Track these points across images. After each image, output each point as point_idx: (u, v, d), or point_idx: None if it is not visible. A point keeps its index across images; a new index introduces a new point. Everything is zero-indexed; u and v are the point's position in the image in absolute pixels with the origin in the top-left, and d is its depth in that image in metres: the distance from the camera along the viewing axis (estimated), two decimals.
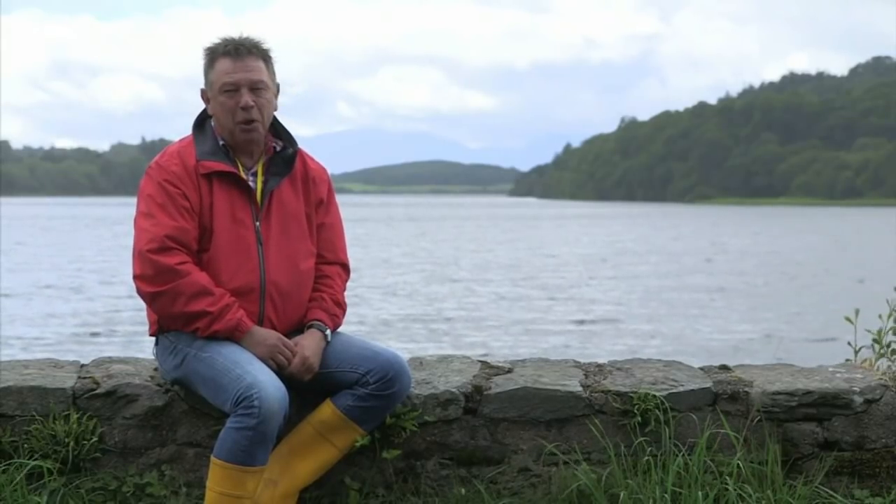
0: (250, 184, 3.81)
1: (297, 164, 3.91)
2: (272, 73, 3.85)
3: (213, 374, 3.61)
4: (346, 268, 4.03)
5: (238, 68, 3.76)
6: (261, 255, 3.78)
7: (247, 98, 3.75)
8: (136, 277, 3.70)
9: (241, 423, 3.50)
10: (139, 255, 3.68)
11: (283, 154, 3.89)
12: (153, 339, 3.87)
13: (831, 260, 39.22)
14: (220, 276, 3.71)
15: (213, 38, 3.83)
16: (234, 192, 3.78)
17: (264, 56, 3.83)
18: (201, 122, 3.89)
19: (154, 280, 3.65)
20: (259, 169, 3.85)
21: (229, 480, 3.53)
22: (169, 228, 3.67)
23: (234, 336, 3.68)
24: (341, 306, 3.93)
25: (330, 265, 3.96)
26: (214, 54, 3.80)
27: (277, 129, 3.91)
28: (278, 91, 3.88)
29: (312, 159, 4.01)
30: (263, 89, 3.79)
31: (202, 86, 3.86)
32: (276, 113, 3.88)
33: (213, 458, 3.57)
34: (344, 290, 3.98)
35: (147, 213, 3.71)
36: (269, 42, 3.84)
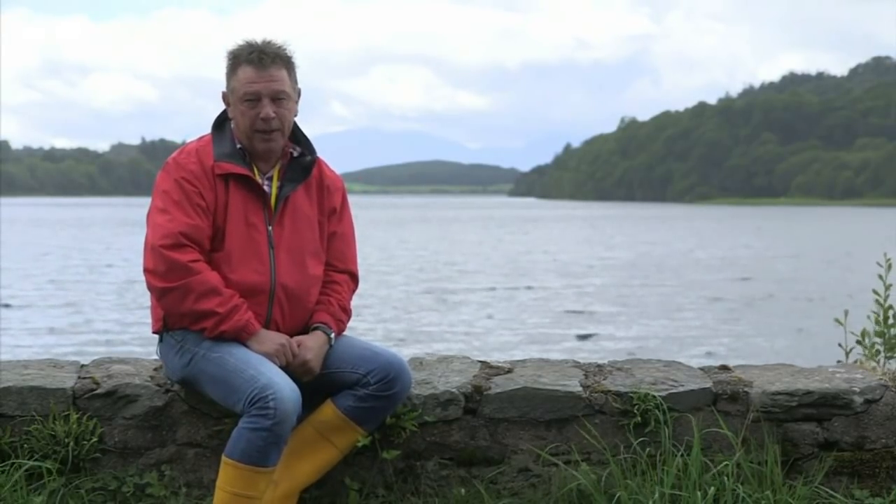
0: (265, 188, 3.81)
1: (314, 172, 3.91)
2: (294, 80, 3.83)
3: (225, 374, 3.61)
4: (354, 277, 4.02)
5: (260, 78, 3.73)
6: (272, 259, 3.78)
7: (268, 109, 3.73)
8: (147, 271, 3.69)
9: (255, 424, 3.49)
10: (152, 250, 3.67)
11: (301, 160, 3.88)
12: (156, 337, 3.87)
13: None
14: (229, 277, 3.71)
15: (236, 41, 3.78)
16: (249, 196, 3.78)
17: (287, 64, 3.80)
18: (220, 122, 3.88)
19: (165, 276, 3.64)
20: (275, 174, 3.85)
21: (242, 480, 3.53)
22: (183, 225, 3.67)
23: (240, 337, 3.68)
24: (347, 312, 3.93)
25: (339, 273, 3.97)
26: (237, 60, 3.77)
27: (297, 135, 3.89)
28: (299, 96, 3.86)
29: (328, 167, 4.01)
30: (285, 99, 3.78)
31: (223, 89, 3.82)
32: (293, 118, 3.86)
33: (224, 458, 3.56)
34: (350, 298, 3.98)
35: (162, 209, 3.71)
36: (290, 47, 3.80)
